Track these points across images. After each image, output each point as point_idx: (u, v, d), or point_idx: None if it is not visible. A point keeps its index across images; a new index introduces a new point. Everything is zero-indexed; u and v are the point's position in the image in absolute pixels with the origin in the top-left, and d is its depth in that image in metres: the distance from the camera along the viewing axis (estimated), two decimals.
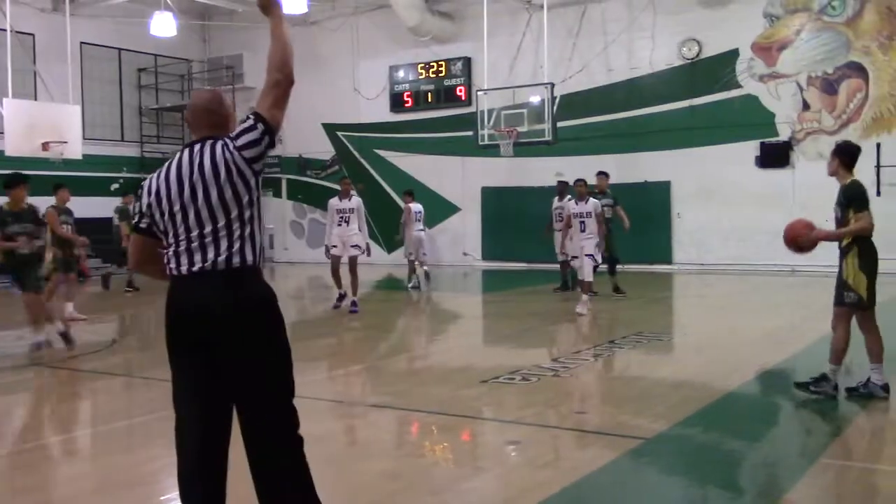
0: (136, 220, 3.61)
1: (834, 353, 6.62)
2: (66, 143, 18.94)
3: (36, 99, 20.84)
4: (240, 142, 3.41)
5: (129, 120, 25.13)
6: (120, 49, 24.53)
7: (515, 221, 20.68)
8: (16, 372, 8.71)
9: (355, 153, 24.42)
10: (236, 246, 3.35)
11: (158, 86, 25.61)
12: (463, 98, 22.22)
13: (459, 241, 22.52)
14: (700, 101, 19.43)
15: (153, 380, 8.10)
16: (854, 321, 6.72)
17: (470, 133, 20.14)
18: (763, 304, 13.81)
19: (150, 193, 3.51)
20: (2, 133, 18.57)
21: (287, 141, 25.69)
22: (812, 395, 6.64)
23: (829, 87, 18.17)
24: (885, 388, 6.56)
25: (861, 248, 6.63)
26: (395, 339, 11.61)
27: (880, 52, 17.65)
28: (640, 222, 19.65)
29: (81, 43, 22.81)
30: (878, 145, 17.56)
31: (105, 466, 5.43)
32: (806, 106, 18.43)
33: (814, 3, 18.18)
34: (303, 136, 25.06)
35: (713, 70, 19.21)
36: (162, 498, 4.93)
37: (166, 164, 3.55)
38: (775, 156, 18.60)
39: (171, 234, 3.42)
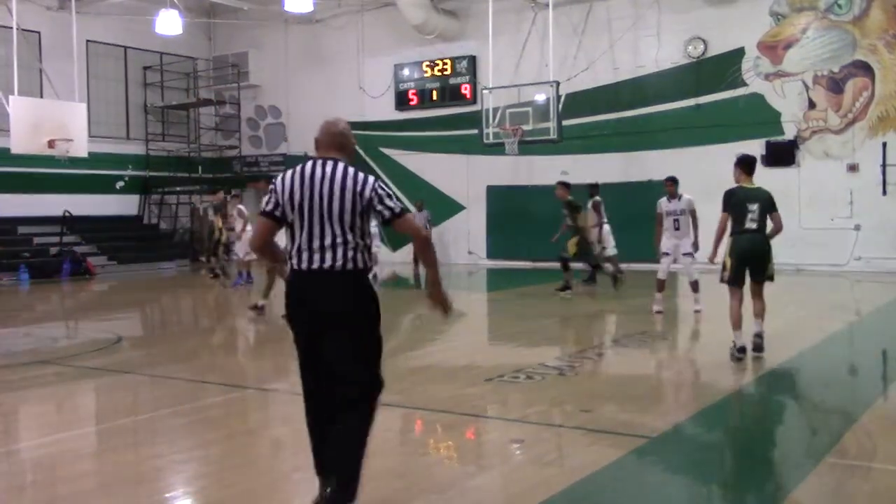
0: (270, 208, 4.22)
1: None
2: (71, 140, 18.97)
3: (42, 97, 20.87)
4: (379, 190, 4.19)
5: (135, 118, 25.17)
6: (126, 47, 24.57)
7: (520, 220, 20.67)
8: (22, 369, 8.73)
9: (360, 151, 24.37)
10: (349, 251, 4.13)
11: (164, 84, 25.63)
12: (468, 96, 22.21)
13: (464, 239, 22.51)
14: (705, 99, 19.39)
15: (158, 377, 8.12)
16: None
17: (475, 131, 20.13)
18: (767, 303, 13.75)
19: (283, 190, 4.20)
20: (8, 131, 18.60)
21: (292, 139, 25.72)
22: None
23: (835, 85, 18.12)
24: (741, 349, 8.11)
25: (732, 241, 8.25)
26: (399, 337, 11.60)
27: (886, 51, 17.59)
28: (645, 221, 19.63)
29: (87, 41, 22.85)
30: (884, 144, 17.51)
31: (110, 463, 5.44)
32: (812, 105, 18.39)
33: (820, 1, 18.13)
34: (308, 134, 24.65)
35: (719, 69, 19.17)
36: (167, 495, 4.94)
37: (299, 167, 4.25)
38: (781, 154, 18.56)
39: (296, 229, 4.17)
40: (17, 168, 20.76)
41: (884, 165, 17.46)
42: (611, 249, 15.63)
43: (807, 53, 18.34)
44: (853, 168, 17.88)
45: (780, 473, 5.15)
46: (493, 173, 21.66)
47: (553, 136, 18.47)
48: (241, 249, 13.72)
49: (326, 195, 4.12)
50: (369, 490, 4.79)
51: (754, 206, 8.19)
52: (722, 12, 19.10)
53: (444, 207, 22.34)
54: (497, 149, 19.35)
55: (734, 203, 8.27)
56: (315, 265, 4.12)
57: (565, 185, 14.99)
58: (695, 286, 12.29)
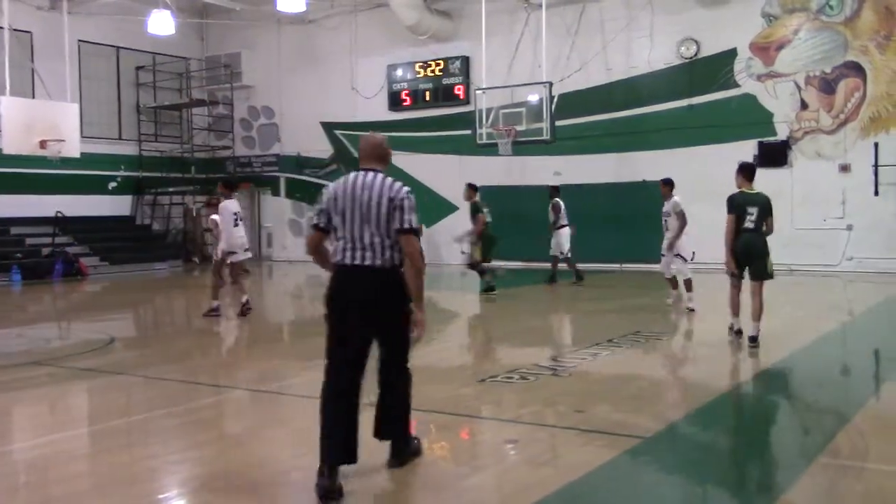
0: (316, 221, 4.94)
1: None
2: (63, 141, 18.91)
3: (34, 97, 20.80)
4: (405, 203, 4.84)
5: (127, 118, 25.11)
6: (118, 47, 24.51)
7: (513, 220, 20.66)
8: (14, 370, 8.70)
9: (353, 152, 24.40)
10: (386, 251, 4.78)
11: (156, 84, 25.57)
12: (461, 97, 22.23)
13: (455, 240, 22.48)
14: (698, 100, 19.44)
15: (152, 378, 8.11)
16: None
17: (468, 132, 20.14)
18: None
19: (331, 200, 4.88)
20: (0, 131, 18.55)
21: (285, 139, 25.70)
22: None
23: (827, 86, 18.19)
24: (738, 332, 9.14)
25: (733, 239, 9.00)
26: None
27: (878, 52, 17.67)
28: (638, 222, 19.68)
29: (79, 41, 22.80)
30: (876, 145, 17.57)
31: (104, 464, 5.43)
32: (804, 105, 18.45)
33: (812, 2, 18.19)
34: (301, 135, 25.05)
35: (711, 69, 19.22)
36: (160, 496, 4.93)
37: (343, 178, 4.92)
38: (773, 155, 18.60)
39: (341, 232, 4.83)
40: (8, 168, 20.70)
41: (875, 166, 17.52)
42: (560, 249, 16.16)
43: (799, 54, 18.40)
44: (845, 168, 17.95)
45: (774, 473, 5.17)
46: (487, 174, 21.60)
47: (546, 136, 18.48)
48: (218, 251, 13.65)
49: (366, 202, 4.78)
50: (363, 490, 4.80)
51: (753, 210, 9.00)
52: (714, 13, 19.15)
53: (436, 208, 22.34)
54: (490, 149, 19.36)
55: (736, 206, 9.07)
56: (355, 262, 4.78)
57: (472, 188, 15.59)
58: (688, 285, 12.39)
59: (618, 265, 19.27)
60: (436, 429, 6.22)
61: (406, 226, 4.77)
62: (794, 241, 17.27)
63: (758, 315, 8.87)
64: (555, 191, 16.61)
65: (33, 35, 22.06)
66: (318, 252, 5.01)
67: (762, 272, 8.94)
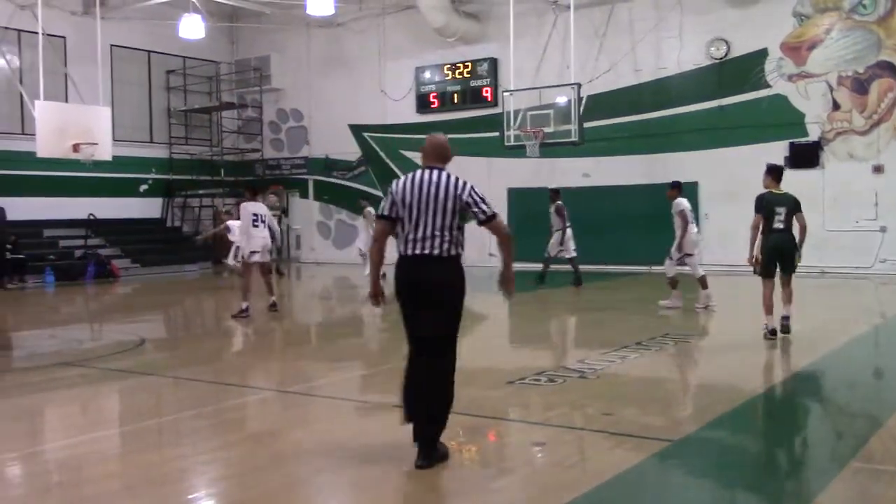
0: (385, 212, 5.31)
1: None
2: (96, 144, 19.15)
3: (67, 101, 21.11)
4: (474, 195, 5.27)
5: (158, 121, 25.37)
6: (149, 51, 24.79)
7: (542, 222, 20.58)
8: (47, 371, 8.81)
9: (381, 154, 24.48)
10: (448, 242, 5.21)
11: (187, 87, 25.82)
12: (489, 99, 22.22)
13: (485, 241, 22.43)
14: (728, 101, 19.29)
15: (181, 379, 8.17)
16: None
17: (496, 134, 20.12)
18: (793, 307, 13.65)
19: (398, 193, 5.26)
20: (33, 135, 18.81)
21: (314, 142, 25.83)
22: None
23: (860, 86, 17.96)
24: (772, 332, 9.42)
25: (762, 239, 9.42)
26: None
27: None
28: (667, 224, 19.51)
29: (112, 45, 23.08)
30: None
31: (135, 465, 5.48)
32: (836, 106, 18.24)
33: (844, 2, 17.98)
34: (329, 138, 25.17)
35: (742, 70, 19.06)
36: (190, 496, 4.97)
37: (410, 175, 5.31)
38: (805, 156, 18.41)
39: (407, 225, 5.21)
40: (42, 172, 20.99)
41: None
42: (570, 252, 16.41)
43: (831, 54, 18.19)
44: (878, 169, 17.72)
45: (805, 478, 5.10)
46: (515, 176, 21.63)
47: (574, 138, 18.42)
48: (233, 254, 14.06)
49: (431, 197, 5.20)
50: (391, 492, 4.81)
51: (781, 210, 9.33)
52: (744, 13, 18.99)
53: None
54: (518, 151, 19.32)
55: (764, 206, 9.40)
56: (419, 251, 5.19)
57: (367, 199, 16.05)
58: (702, 282, 12.53)
59: (646, 267, 19.13)
60: (464, 431, 6.21)
61: (489, 213, 5.30)
62: (826, 243, 17.07)
63: (788, 300, 9.49)
64: (555, 194, 16.81)
65: (67, 40, 22.37)
66: (383, 240, 5.43)
67: (792, 267, 9.49)
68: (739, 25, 19.02)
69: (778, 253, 9.33)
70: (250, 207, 12.79)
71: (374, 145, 24.58)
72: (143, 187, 24.92)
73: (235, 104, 26.39)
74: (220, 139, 26.44)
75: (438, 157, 5.45)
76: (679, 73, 19.83)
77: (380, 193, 24.17)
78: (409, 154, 23.84)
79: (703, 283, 12.53)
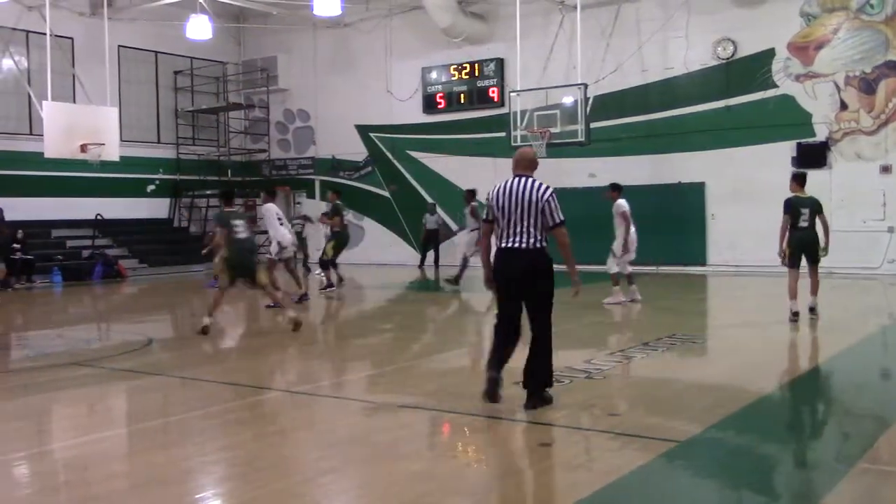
0: (486, 216, 6.57)
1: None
2: (103, 145, 19.21)
3: (74, 101, 21.17)
4: (551, 200, 6.32)
5: (166, 122, 25.44)
6: (156, 52, 24.86)
7: None
8: (54, 370, 8.84)
9: (388, 154, 24.50)
10: (536, 236, 6.30)
11: (194, 88, 25.88)
12: (496, 99, 22.22)
13: (493, 242, 22.42)
14: (735, 101, 19.25)
15: (188, 379, 8.19)
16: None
17: (503, 134, 20.13)
18: (802, 305, 13.62)
19: (494, 199, 6.44)
20: (41, 135, 18.87)
21: (320, 142, 25.86)
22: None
23: (868, 86, 17.91)
24: (795, 314, 10.85)
25: (789, 235, 11.00)
26: (426, 339, 11.63)
27: None
28: (675, 223, 19.54)
29: (119, 46, 23.15)
30: None
31: (142, 464, 5.50)
32: (843, 106, 18.19)
33: (852, 1, 17.94)
34: (336, 138, 25.19)
35: (749, 70, 19.02)
36: (197, 496, 4.98)
37: (504, 182, 6.44)
38: (812, 156, 18.37)
39: (501, 224, 6.37)
40: (50, 172, 21.07)
41: None
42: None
43: (838, 54, 18.14)
44: (886, 169, 17.66)
45: (812, 479, 5.10)
46: None
47: (581, 138, 18.41)
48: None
49: (521, 200, 6.29)
50: (397, 492, 4.81)
51: (805, 211, 10.88)
52: (751, 13, 18.95)
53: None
54: None
55: (792, 208, 10.94)
56: (513, 245, 6.32)
57: (335, 192, 16.67)
58: (629, 279, 13.30)
59: (653, 267, 19.11)
60: (470, 431, 6.22)
61: (557, 221, 6.31)
62: (834, 243, 16.98)
63: (815, 290, 11.08)
64: (471, 195, 17.05)
65: (74, 41, 22.45)
66: (487, 238, 6.66)
67: (816, 258, 11.02)
68: (746, 25, 18.98)
69: (803, 247, 10.88)
70: (274, 208, 13.69)
71: (381, 146, 24.60)
72: (151, 188, 24.99)
73: (242, 105, 26.44)
74: (227, 139, 26.49)
75: (527, 167, 6.52)
76: (686, 73, 19.80)
77: (386, 194, 24.26)
78: (415, 154, 23.86)
79: (629, 279, 13.25)
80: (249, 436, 6.14)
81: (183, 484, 5.09)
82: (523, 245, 6.29)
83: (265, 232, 14.47)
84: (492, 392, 6.43)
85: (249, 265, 10.79)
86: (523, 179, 6.39)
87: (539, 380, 6.48)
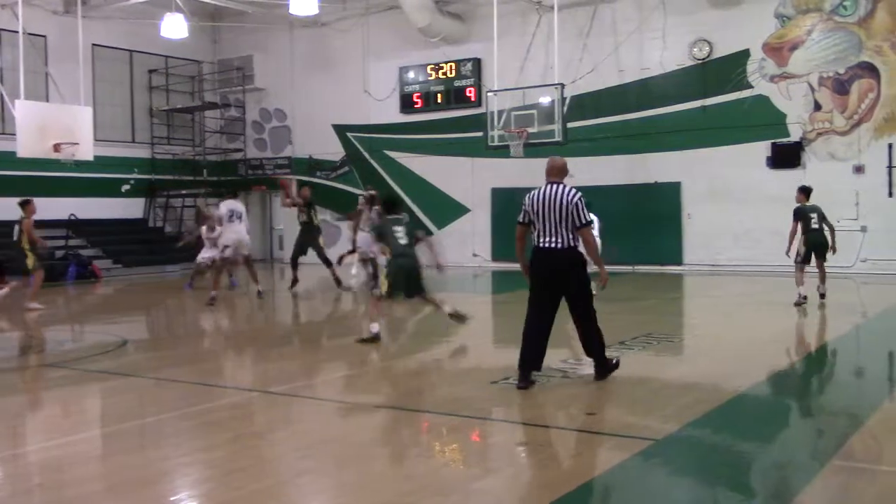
0: (521, 218, 7.28)
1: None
2: (77, 144, 19.03)
3: (48, 100, 20.95)
4: (579, 204, 7.07)
5: (140, 121, 25.25)
6: (131, 51, 24.66)
7: None
8: (27, 372, 8.75)
9: (365, 154, 24.46)
10: (568, 237, 7.06)
11: (169, 87, 25.71)
12: (473, 99, 22.24)
13: (469, 241, 22.49)
14: (711, 101, 19.39)
15: (164, 380, 8.14)
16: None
17: (480, 134, 20.14)
18: (773, 306, 13.75)
19: (530, 205, 7.21)
20: (14, 135, 18.66)
21: (297, 142, 25.77)
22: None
23: (841, 87, 18.10)
24: (804, 297, 12.63)
25: (803, 237, 12.94)
26: (403, 339, 11.62)
27: (892, 52, 17.57)
28: (651, 223, 19.65)
29: (93, 44, 22.95)
30: (890, 146, 17.50)
31: (117, 466, 5.45)
32: (817, 106, 18.36)
33: (825, 3, 18.11)
34: (313, 138, 25.12)
35: (724, 70, 19.17)
36: (172, 498, 4.95)
37: (539, 189, 7.21)
38: (786, 156, 18.54)
39: (538, 226, 7.14)
40: (23, 172, 20.83)
41: (890, 167, 17.44)
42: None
43: (812, 55, 18.32)
44: (859, 170, 17.85)
45: (786, 476, 5.14)
46: (498, 175, 21.66)
47: (558, 138, 18.46)
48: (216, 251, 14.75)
49: (554, 204, 7.06)
50: (374, 493, 4.80)
51: (813, 215, 12.81)
52: (727, 14, 19.09)
53: (448, 210, 22.37)
54: (502, 151, 19.35)
55: (802, 215, 12.82)
56: (547, 245, 7.10)
57: (310, 186, 17.09)
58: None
59: (630, 267, 19.21)
60: (447, 431, 6.22)
61: (582, 222, 7.05)
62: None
63: (824, 279, 12.96)
64: (374, 199, 16.35)
65: (48, 39, 22.22)
66: (522, 240, 7.38)
67: (825, 255, 12.90)
68: (722, 26, 19.12)
69: (815, 246, 12.81)
70: (226, 206, 14.14)
71: (358, 145, 24.56)
72: (125, 187, 24.79)
73: (218, 104, 26.29)
74: (202, 139, 26.34)
75: (558, 174, 7.28)
76: (662, 73, 19.91)
77: (363, 192, 24.22)
78: (392, 154, 23.83)
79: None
80: (226, 437, 6.11)
81: (159, 486, 5.05)
82: (557, 245, 7.05)
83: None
84: (525, 385, 7.17)
85: (411, 273, 10.05)
86: (555, 186, 7.15)
87: (598, 343, 7.30)
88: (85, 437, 6.33)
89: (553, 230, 7.03)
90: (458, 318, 10.36)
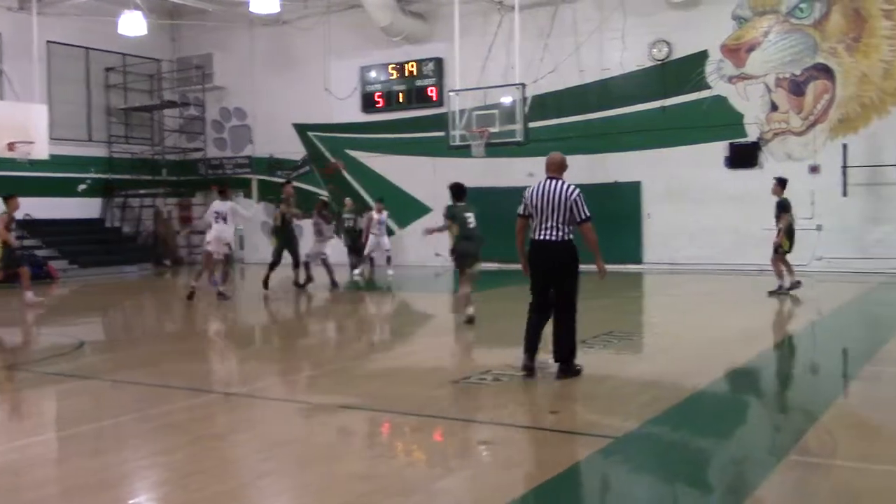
0: (521, 211, 7.56)
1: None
2: (32, 143, 18.72)
3: (2, 98, 20.59)
4: (578, 199, 7.40)
5: (97, 120, 24.87)
6: (88, 48, 24.28)
7: (487, 222, 20.62)
8: None
9: (326, 153, 24.34)
10: (564, 230, 7.36)
11: (127, 85, 25.36)
12: (434, 98, 22.23)
13: (431, 241, 22.41)
14: (670, 101, 19.57)
15: (122, 382, 8.03)
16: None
17: (441, 133, 20.15)
18: (731, 304, 13.95)
19: (529, 198, 7.48)
20: None
21: (257, 141, 25.58)
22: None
23: (797, 88, 18.38)
24: (797, 284, 13.85)
25: (787, 225, 13.80)
26: (365, 339, 11.59)
27: (846, 54, 17.87)
28: (611, 222, 19.75)
29: (48, 42, 22.55)
30: (845, 146, 17.78)
31: (74, 469, 5.37)
32: (774, 107, 18.63)
33: (782, 5, 18.38)
34: (273, 137, 24.94)
35: (683, 71, 19.36)
36: (130, 501, 4.89)
37: (538, 183, 7.52)
38: (744, 156, 18.79)
39: (535, 219, 7.42)
40: None
41: (844, 167, 17.73)
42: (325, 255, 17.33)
43: (769, 56, 18.58)
44: (814, 169, 18.14)
45: (744, 471, 5.21)
46: (460, 175, 21.38)
47: (519, 138, 18.53)
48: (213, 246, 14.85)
49: (552, 199, 7.33)
50: (336, 493, 4.78)
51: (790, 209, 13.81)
52: (686, 15, 19.28)
53: (410, 209, 22.32)
54: (463, 151, 19.37)
55: (790, 208, 13.76)
56: (544, 238, 7.39)
57: (289, 183, 17.35)
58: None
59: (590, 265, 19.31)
60: (409, 431, 6.21)
61: (582, 216, 7.35)
62: (765, 241, 17.41)
63: (791, 270, 13.99)
64: (323, 205, 17.75)
65: (2, 36, 21.82)
66: (522, 232, 7.62)
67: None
68: (681, 27, 19.31)
69: (793, 235, 13.86)
70: (213, 206, 14.89)
71: (319, 144, 24.43)
72: (82, 187, 24.41)
73: (177, 102, 26.00)
74: (161, 138, 26.03)
75: (557, 170, 7.53)
76: (622, 73, 20.06)
77: (325, 193, 24.12)
78: (354, 153, 23.74)
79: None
80: (186, 439, 6.04)
81: (117, 489, 4.99)
82: (554, 238, 7.33)
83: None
84: (530, 373, 7.51)
85: (476, 253, 11.92)
86: (554, 181, 7.43)
87: (566, 346, 7.46)
88: (41, 441, 6.23)
89: (550, 224, 7.31)
90: (470, 321, 11.25)
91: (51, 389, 8.07)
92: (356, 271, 19.07)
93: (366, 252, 19.54)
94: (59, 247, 22.33)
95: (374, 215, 19.43)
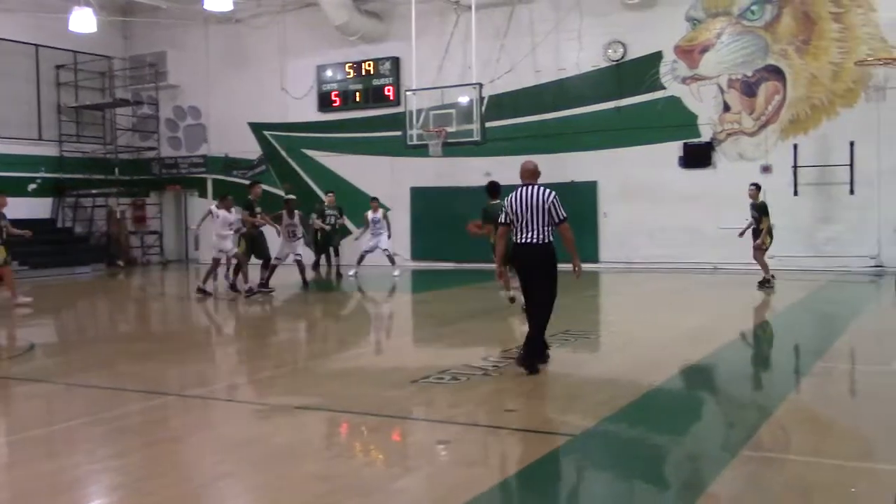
0: (503, 219, 7.97)
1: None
2: None
3: None
4: (555, 202, 7.81)
5: (47, 118, 24.39)
6: (37, 45, 23.80)
7: (444, 221, 20.71)
8: None
9: (283, 153, 24.17)
10: (544, 233, 7.76)
11: (78, 83, 24.92)
12: (391, 98, 22.18)
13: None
14: (625, 102, 19.74)
15: (75, 385, 7.90)
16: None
17: (398, 133, 20.11)
18: (686, 302, 14.11)
19: (509, 206, 7.86)
20: None
21: (212, 140, 25.31)
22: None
23: (749, 89, 18.66)
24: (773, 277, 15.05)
25: (769, 226, 14.80)
26: (323, 339, 11.53)
27: (797, 56, 18.18)
28: (568, 221, 19.87)
29: None
30: (795, 146, 18.08)
31: (25, 475, 5.26)
32: (727, 108, 18.89)
33: (734, 7, 18.64)
34: (229, 136, 24.70)
35: (638, 72, 19.54)
36: None
37: (517, 190, 7.88)
38: (698, 156, 19.02)
39: (517, 224, 7.81)
40: None
41: (795, 167, 18.03)
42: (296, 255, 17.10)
43: (722, 58, 18.83)
44: (766, 169, 18.41)
45: (699, 467, 5.27)
46: (417, 175, 21.67)
47: (476, 137, 18.56)
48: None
49: (531, 204, 7.75)
50: (294, 494, 4.75)
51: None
52: (640, 16, 19.46)
53: (367, 209, 22.23)
54: (421, 150, 19.36)
55: (767, 209, 14.91)
56: (525, 241, 7.79)
57: (258, 184, 17.10)
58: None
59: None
60: (367, 431, 6.19)
61: (560, 217, 7.77)
62: (719, 240, 17.70)
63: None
64: (290, 203, 17.13)
65: None
66: (503, 238, 8.12)
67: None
68: (635, 28, 19.49)
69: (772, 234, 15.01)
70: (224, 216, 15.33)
71: (275, 144, 24.25)
72: (32, 186, 23.94)
73: (130, 101, 25.60)
74: (114, 137, 25.61)
75: (530, 177, 8.01)
76: (578, 74, 20.19)
77: (281, 193, 23.96)
78: (310, 153, 23.60)
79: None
80: (140, 442, 5.96)
81: (70, 494, 4.91)
82: (534, 240, 7.74)
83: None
84: (533, 371, 7.77)
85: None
86: (530, 188, 7.86)
87: (537, 344, 7.91)
88: None
89: (531, 228, 7.72)
90: (513, 300, 11.96)
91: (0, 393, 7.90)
92: (351, 272, 18.70)
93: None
94: (8, 248, 21.84)
95: (369, 214, 19.08)
